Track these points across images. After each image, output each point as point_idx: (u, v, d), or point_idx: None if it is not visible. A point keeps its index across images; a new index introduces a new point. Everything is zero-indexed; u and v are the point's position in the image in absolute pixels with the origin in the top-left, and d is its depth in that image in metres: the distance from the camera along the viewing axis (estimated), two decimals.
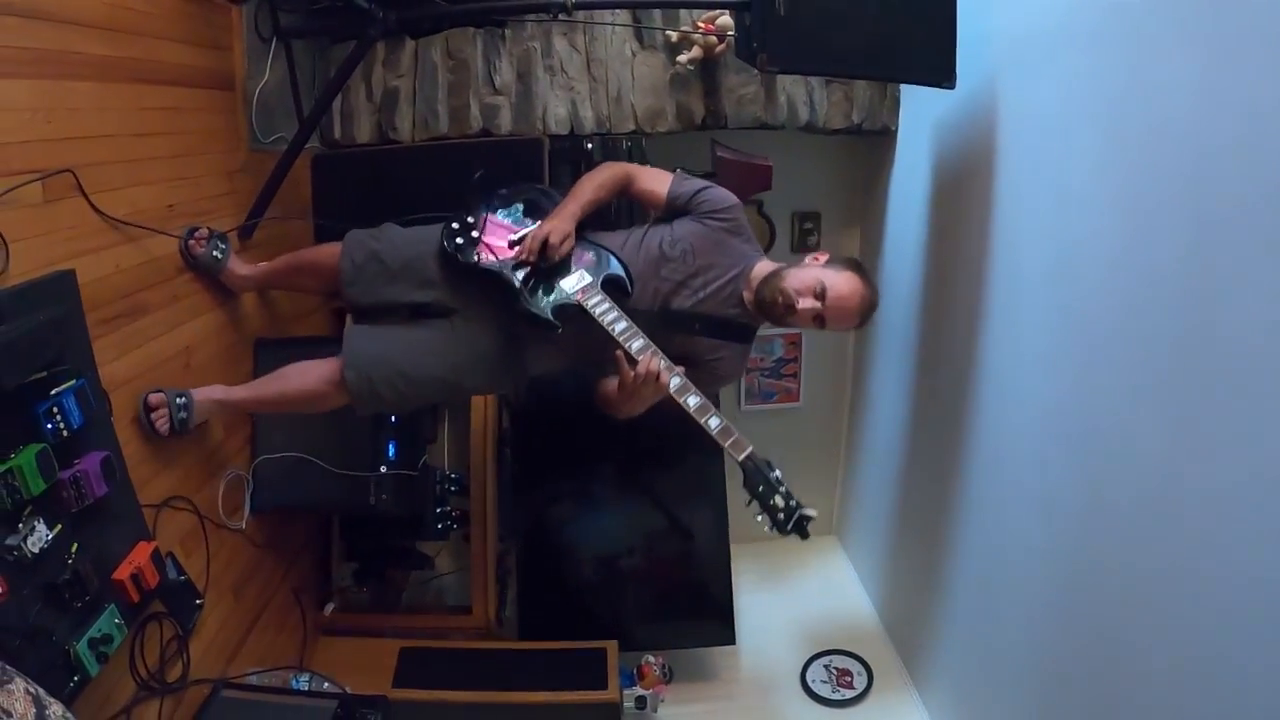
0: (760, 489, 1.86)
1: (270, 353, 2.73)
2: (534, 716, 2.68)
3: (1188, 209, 1.67)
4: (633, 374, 1.94)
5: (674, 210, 2.29)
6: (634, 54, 3.05)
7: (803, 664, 3.29)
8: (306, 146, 2.65)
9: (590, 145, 2.94)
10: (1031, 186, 2.30)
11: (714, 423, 1.92)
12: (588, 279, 2.14)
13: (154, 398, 2.18)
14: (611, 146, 2.94)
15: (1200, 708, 1.66)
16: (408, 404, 2.39)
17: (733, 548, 3.29)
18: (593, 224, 2.29)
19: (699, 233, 2.24)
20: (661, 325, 2.15)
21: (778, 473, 1.87)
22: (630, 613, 3.31)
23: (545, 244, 2.11)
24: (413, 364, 2.23)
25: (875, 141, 3.45)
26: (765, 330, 3.83)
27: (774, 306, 2.16)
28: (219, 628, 2.42)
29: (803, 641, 3.42)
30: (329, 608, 3.12)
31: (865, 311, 2.19)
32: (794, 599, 3.74)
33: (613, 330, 2.02)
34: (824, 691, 3.18)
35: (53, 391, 1.69)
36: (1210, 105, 1.60)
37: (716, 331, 2.24)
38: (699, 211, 2.26)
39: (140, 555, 1.93)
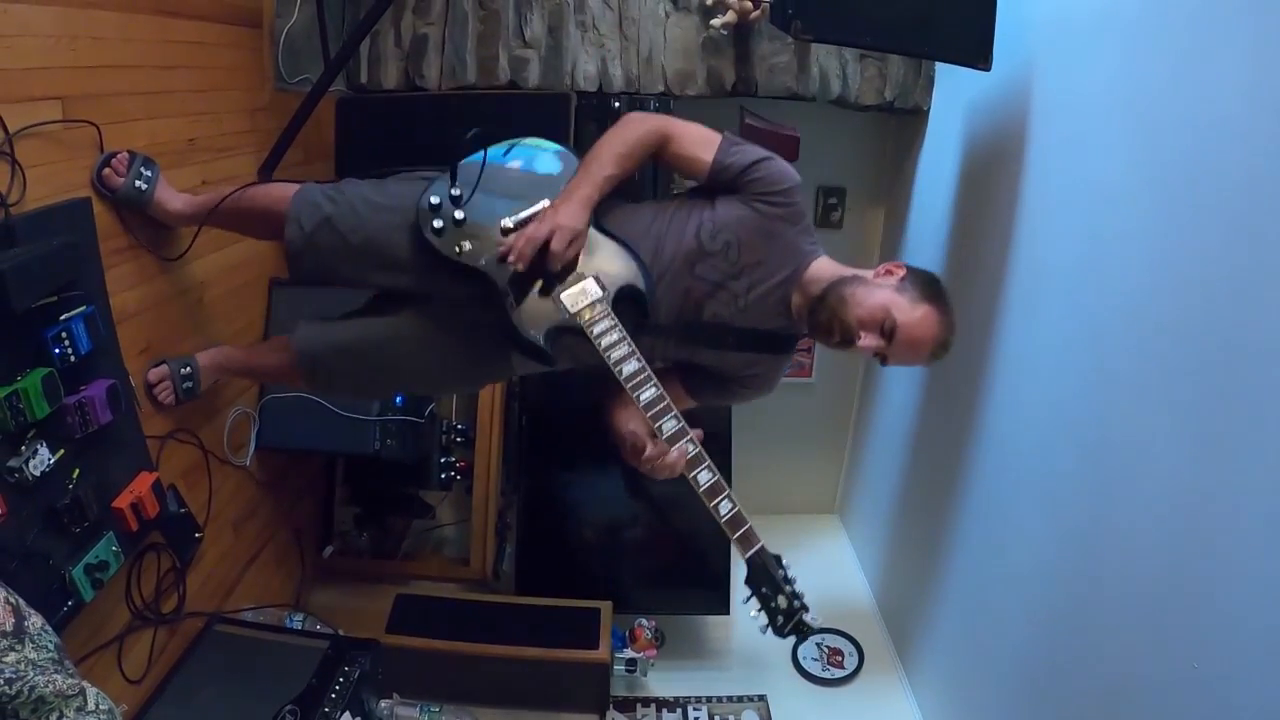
0: (764, 589, 1.62)
1: (285, 293, 2.74)
2: (524, 671, 2.71)
3: (1221, 212, 1.62)
4: (651, 454, 1.66)
5: (718, 183, 1.85)
6: (667, 15, 3.00)
7: (795, 640, 3.29)
8: (331, 90, 2.63)
9: (618, 104, 2.91)
10: (1061, 179, 2.26)
11: (725, 508, 1.62)
12: (596, 293, 1.72)
13: (154, 373, 2.13)
14: (639, 108, 2.90)
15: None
16: (365, 390, 2.13)
17: None
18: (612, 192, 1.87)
19: (747, 220, 1.81)
20: (687, 340, 1.86)
21: (785, 570, 1.63)
22: (626, 576, 3.32)
23: (546, 247, 1.70)
24: (374, 349, 1.96)
25: (906, 120, 3.39)
26: None
27: (829, 334, 1.81)
28: (217, 563, 2.45)
29: None
30: (328, 550, 3.15)
31: (936, 353, 1.85)
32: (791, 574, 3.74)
33: (619, 372, 1.66)
34: (814, 669, 3.19)
35: (62, 317, 1.70)
36: (1253, 105, 1.55)
37: (752, 344, 1.88)
38: (750, 191, 1.81)
39: (142, 485, 1.95)
